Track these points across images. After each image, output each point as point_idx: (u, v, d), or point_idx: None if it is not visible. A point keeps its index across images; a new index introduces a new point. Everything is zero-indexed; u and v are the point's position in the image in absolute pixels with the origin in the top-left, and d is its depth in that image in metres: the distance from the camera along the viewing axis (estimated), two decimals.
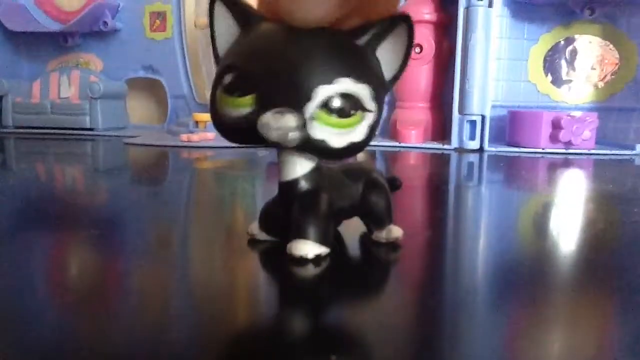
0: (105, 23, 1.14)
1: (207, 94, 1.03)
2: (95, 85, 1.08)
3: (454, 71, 0.93)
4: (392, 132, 1.01)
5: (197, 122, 0.98)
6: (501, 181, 0.66)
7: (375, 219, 0.30)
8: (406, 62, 0.25)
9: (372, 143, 0.27)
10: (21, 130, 1.11)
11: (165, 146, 0.87)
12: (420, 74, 0.99)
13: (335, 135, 0.24)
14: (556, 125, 0.88)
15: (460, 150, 0.91)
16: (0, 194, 0.49)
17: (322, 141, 0.24)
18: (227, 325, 0.21)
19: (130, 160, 0.78)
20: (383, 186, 0.31)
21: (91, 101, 1.10)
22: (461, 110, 0.92)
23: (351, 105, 0.24)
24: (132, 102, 1.22)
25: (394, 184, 0.35)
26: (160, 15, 1.15)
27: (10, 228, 0.36)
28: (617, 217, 0.43)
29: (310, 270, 0.26)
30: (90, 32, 1.17)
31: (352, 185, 0.30)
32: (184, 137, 0.90)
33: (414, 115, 0.99)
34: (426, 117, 0.99)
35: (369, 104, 0.24)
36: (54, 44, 1.21)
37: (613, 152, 0.88)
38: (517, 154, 0.87)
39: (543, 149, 0.89)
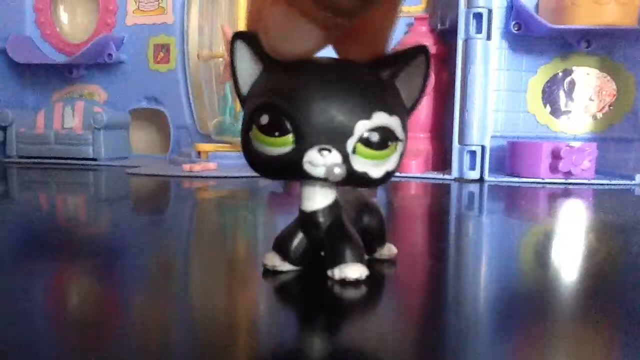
0: (109, 55, 1.16)
1: (210, 125, 1.05)
2: (98, 116, 1.10)
3: (453, 102, 0.94)
4: None
5: (199, 152, 0.99)
6: (502, 211, 0.66)
7: (378, 239, 0.33)
8: (424, 91, 0.27)
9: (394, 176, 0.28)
10: (24, 160, 1.11)
11: (168, 176, 0.88)
12: (420, 105, 0.99)
13: (374, 166, 0.25)
14: (556, 156, 0.88)
15: (461, 180, 0.91)
16: (3, 223, 0.49)
17: (364, 173, 0.25)
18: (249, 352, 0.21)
19: (132, 190, 0.79)
20: (378, 209, 0.33)
21: (94, 131, 1.11)
22: (461, 141, 0.93)
23: (386, 137, 0.25)
24: (135, 132, 1.23)
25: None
26: (164, 48, 1.17)
27: (12, 257, 0.36)
28: (618, 247, 0.44)
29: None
30: (95, 64, 1.19)
31: (358, 211, 0.31)
32: (186, 167, 0.90)
33: (415, 146, 1.00)
34: (426, 148, 1.00)
35: (401, 134, 0.26)
36: (59, 75, 1.23)
37: (613, 182, 0.88)
38: (517, 184, 0.87)
39: (543, 179, 0.89)
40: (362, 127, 0.24)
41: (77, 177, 0.92)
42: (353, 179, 0.25)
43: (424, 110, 1.00)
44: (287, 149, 0.25)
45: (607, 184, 0.87)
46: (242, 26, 1.01)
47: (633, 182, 0.88)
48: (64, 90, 1.24)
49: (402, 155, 0.27)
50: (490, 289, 0.31)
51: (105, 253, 0.38)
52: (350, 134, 0.24)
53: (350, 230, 0.29)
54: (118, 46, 1.18)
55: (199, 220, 0.56)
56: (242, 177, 0.87)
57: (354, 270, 0.28)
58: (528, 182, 0.89)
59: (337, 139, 0.24)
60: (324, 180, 0.25)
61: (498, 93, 1.00)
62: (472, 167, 0.93)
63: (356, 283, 0.28)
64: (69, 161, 1.10)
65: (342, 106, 0.24)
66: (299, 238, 0.29)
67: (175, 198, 0.72)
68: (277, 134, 0.25)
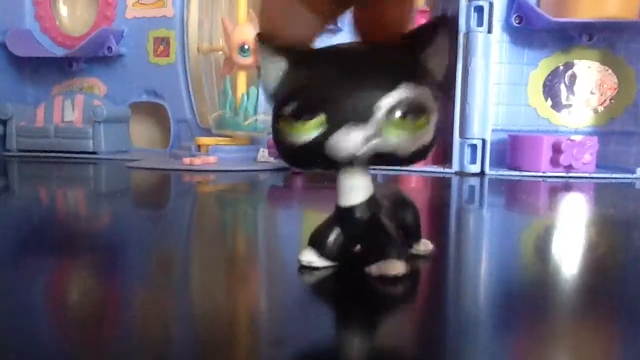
0: (109, 48, 1.16)
1: (210, 119, 1.04)
2: (98, 109, 1.09)
3: (454, 95, 0.93)
4: None
5: (199, 146, 0.99)
6: (502, 205, 0.66)
7: (414, 235, 0.33)
8: (450, 61, 0.26)
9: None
10: (25, 154, 1.11)
11: (168, 170, 0.88)
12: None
13: (407, 141, 0.25)
14: (557, 149, 0.88)
15: (461, 174, 0.91)
16: (3, 217, 0.49)
17: (394, 149, 0.25)
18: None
19: (132, 184, 0.79)
20: (414, 205, 0.33)
21: (94, 125, 1.10)
22: (462, 134, 0.93)
23: (416, 109, 0.24)
24: (135, 126, 1.22)
25: None
26: (164, 41, 1.16)
27: (11, 251, 0.36)
28: (619, 241, 0.43)
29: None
30: (95, 57, 1.18)
31: (395, 206, 0.31)
32: (187, 160, 0.90)
33: None
34: None
35: (431, 105, 0.25)
36: (59, 68, 1.23)
37: (614, 175, 0.88)
38: (518, 178, 0.87)
39: (544, 172, 0.89)
40: (387, 102, 0.24)
41: (77, 171, 0.92)
42: (383, 157, 0.25)
43: None
44: (315, 133, 0.25)
45: (608, 178, 0.87)
46: (242, 20, 1.01)
47: (634, 175, 0.88)
48: (64, 84, 1.24)
49: (437, 127, 0.26)
50: (491, 284, 0.31)
51: (105, 247, 0.38)
52: (374, 110, 0.24)
53: (388, 225, 0.29)
54: (118, 39, 1.17)
55: (199, 214, 0.56)
56: (242, 170, 0.86)
57: (394, 267, 0.28)
58: (529, 176, 0.89)
59: (362, 117, 0.24)
60: (355, 165, 0.26)
61: (499, 86, 1.00)
62: (473, 161, 0.93)
63: (395, 280, 0.28)
64: (69, 155, 1.10)
65: (364, 83, 0.24)
66: (335, 234, 0.29)
67: (176, 192, 0.72)
68: (303, 118, 0.24)
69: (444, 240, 0.44)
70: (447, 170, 0.94)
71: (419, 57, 0.26)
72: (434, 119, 0.26)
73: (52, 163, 1.01)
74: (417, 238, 0.33)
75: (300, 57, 0.26)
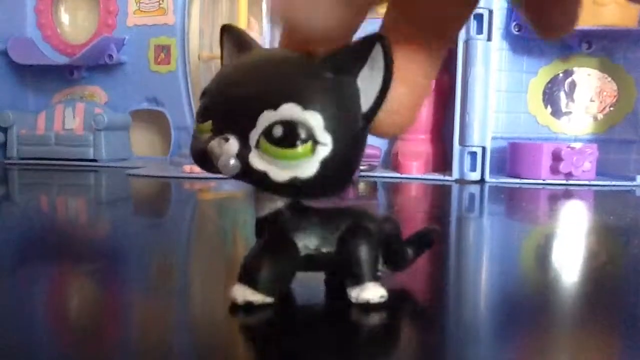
0: (110, 56, 1.16)
1: None
2: (99, 117, 1.10)
3: (454, 103, 0.94)
4: (393, 163, 1.02)
5: None
6: (503, 212, 0.66)
7: (348, 273, 0.26)
8: (385, 90, 0.21)
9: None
10: (25, 162, 1.12)
11: (168, 177, 0.88)
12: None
13: (276, 167, 0.21)
14: (556, 157, 0.88)
15: (462, 182, 0.91)
16: (3, 225, 0.49)
17: (263, 172, 0.21)
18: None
19: (133, 192, 0.79)
20: (368, 235, 0.26)
21: (95, 133, 1.11)
22: (462, 142, 0.93)
23: (296, 136, 0.21)
24: (136, 133, 1.23)
25: (424, 239, 0.30)
26: (165, 49, 1.17)
27: (12, 259, 0.36)
28: (619, 248, 0.44)
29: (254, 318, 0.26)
30: (96, 65, 1.19)
31: (331, 231, 0.26)
32: (187, 168, 0.90)
33: (415, 147, 1.00)
34: (427, 149, 1.00)
35: (322, 135, 0.21)
36: (60, 76, 1.23)
37: (613, 183, 0.88)
38: (518, 185, 0.87)
39: (544, 180, 0.89)
40: (266, 118, 0.21)
41: (77, 179, 0.92)
42: (251, 177, 0.22)
43: (425, 111, 1.00)
44: (206, 137, 0.22)
45: (608, 185, 0.87)
46: (242, 27, 1.01)
47: (634, 183, 0.88)
48: (65, 92, 1.24)
49: (328, 165, 0.21)
50: (491, 292, 0.31)
51: (106, 255, 0.38)
52: (253, 124, 0.21)
53: (274, 248, 0.25)
54: (119, 47, 1.17)
55: (199, 221, 0.56)
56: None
57: (244, 294, 0.24)
58: (529, 184, 0.89)
59: (239, 128, 0.21)
60: (235, 177, 0.22)
61: (499, 94, 1.00)
62: (473, 169, 0.93)
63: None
64: (69, 162, 1.10)
65: (250, 93, 0.21)
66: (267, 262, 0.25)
67: (176, 199, 0.72)
68: (200, 120, 0.23)
69: (444, 247, 0.44)
70: (447, 177, 0.94)
71: (343, 78, 0.21)
72: (322, 153, 0.21)
73: (53, 171, 1.01)
74: (363, 280, 0.26)
75: (244, 52, 0.24)
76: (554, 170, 0.89)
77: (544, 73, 1.01)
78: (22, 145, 1.14)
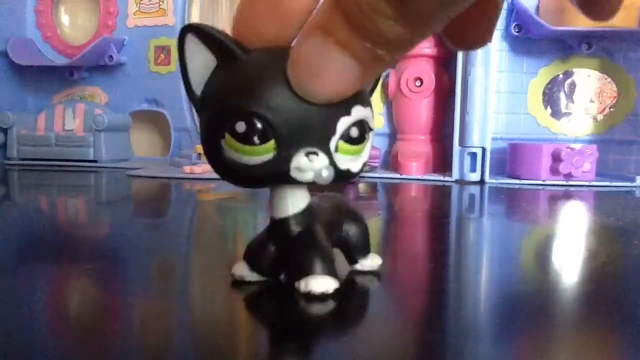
0: (110, 57, 1.16)
1: None
2: (99, 118, 1.10)
3: (454, 104, 0.94)
4: (393, 164, 1.02)
5: (199, 154, 0.99)
6: (503, 213, 0.66)
7: (359, 249, 0.30)
8: (375, 84, 0.27)
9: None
10: (25, 162, 1.12)
11: (168, 178, 0.88)
12: (420, 107, 1.00)
13: (354, 161, 0.24)
14: (556, 158, 0.88)
15: (461, 182, 0.91)
16: (3, 226, 0.49)
17: (347, 170, 0.24)
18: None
19: (133, 192, 0.79)
20: (361, 217, 0.31)
21: (95, 133, 1.11)
22: (462, 143, 0.93)
23: (364, 130, 0.24)
24: (136, 133, 1.23)
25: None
26: (165, 50, 1.17)
27: (12, 260, 0.36)
28: (619, 249, 0.44)
29: (321, 306, 0.26)
30: (96, 66, 1.19)
31: (337, 218, 0.29)
32: (187, 169, 0.90)
33: (415, 148, 1.00)
34: (427, 150, 1.00)
35: (372, 123, 0.25)
36: (60, 77, 1.23)
37: (613, 184, 0.88)
38: (517, 186, 0.87)
39: (544, 181, 0.89)
40: (344, 124, 0.23)
41: (77, 179, 0.92)
42: (338, 178, 0.24)
43: (424, 112, 1.00)
44: (269, 156, 0.23)
45: (608, 186, 0.87)
46: None
47: (634, 184, 0.88)
48: (65, 92, 1.25)
49: (371, 145, 0.26)
50: (491, 293, 0.31)
51: (106, 256, 0.38)
52: (333, 132, 0.23)
53: (320, 239, 0.26)
54: (119, 48, 1.18)
55: (200, 222, 0.56)
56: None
57: (320, 284, 0.25)
58: (529, 184, 0.89)
59: (321, 140, 0.23)
60: (311, 184, 0.24)
61: (498, 95, 1.00)
62: (473, 169, 0.93)
63: (323, 297, 0.25)
64: (69, 163, 1.10)
65: (322, 106, 0.22)
66: (269, 247, 0.27)
67: (176, 200, 0.72)
68: (257, 141, 0.22)
69: (445, 248, 0.44)
70: (447, 178, 0.94)
71: None
72: (372, 137, 0.25)
73: (53, 171, 1.01)
74: (363, 253, 0.31)
75: (235, 58, 0.23)
76: (554, 171, 0.89)
77: (544, 74, 1.01)
78: (22, 145, 1.14)
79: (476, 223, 0.57)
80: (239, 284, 0.28)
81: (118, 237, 0.46)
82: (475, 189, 0.84)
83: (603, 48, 0.98)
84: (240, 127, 0.22)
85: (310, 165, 0.23)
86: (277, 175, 0.23)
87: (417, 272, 0.34)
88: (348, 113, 0.23)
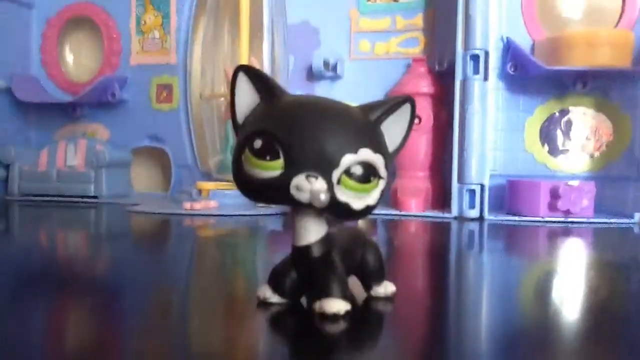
0: (113, 94, 1.18)
1: (211, 163, 1.05)
2: (101, 154, 1.11)
3: (452, 141, 0.95)
4: (392, 200, 1.02)
5: (200, 191, 1.00)
6: (502, 250, 0.66)
7: (374, 276, 0.33)
8: (407, 137, 0.30)
9: (374, 211, 0.29)
10: (27, 198, 1.12)
11: (168, 214, 0.88)
12: (419, 144, 1.01)
13: (356, 198, 0.27)
14: (554, 194, 0.89)
15: (461, 219, 0.92)
16: (4, 261, 0.49)
17: (346, 203, 0.27)
18: None
19: (133, 228, 0.79)
20: (377, 246, 0.34)
21: (97, 169, 1.11)
22: (460, 180, 0.94)
23: (370, 173, 0.27)
24: (137, 170, 1.23)
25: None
26: (167, 87, 1.19)
27: (12, 295, 0.36)
28: (618, 285, 0.44)
29: (334, 328, 0.26)
30: (99, 103, 1.20)
31: (354, 247, 0.32)
32: (187, 205, 0.91)
33: (414, 184, 1.00)
34: (426, 186, 1.01)
35: (383, 172, 0.28)
36: (63, 114, 1.25)
37: (612, 220, 0.88)
38: (517, 223, 0.88)
39: (542, 217, 0.89)
40: (348, 160, 0.26)
41: (78, 215, 0.92)
42: (336, 208, 0.27)
43: (423, 149, 1.01)
44: (277, 172, 0.27)
45: (607, 222, 0.88)
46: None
47: (632, 220, 0.88)
48: (67, 129, 1.26)
49: (382, 193, 0.28)
50: (491, 329, 0.31)
51: (106, 292, 0.38)
52: (337, 165, 0.26)
53: (336, 265, 0.30)
54: (122, 86, 1.19)
55: (199, 258, 0.57)
56: (243, 215, 0.87)
57: (333, 305, 0.28)
58: (528, 221, 0.89)
59: (324, 168, 0.26)
60: (310, 207, 0.27)
61: (496, 132, 1.01)
62: (472, 206, 0.93)
63: (335, 318, 0.28)
64: (70, 199, 1.10)
65: (333, 139, 0.26)
66: (291, 272, 0.31)
67: (176, 236, 0.72)
68: (268, 157, 0.27)
69: (445, 284, 0.44)
70: (446, 215, 0.94)
71: (378, 125, 0.29)
72: (382, 184, 0.28)
73: (53, 207, 1.01)
74: (378, 280, 0.33)
75: (273, 95, 0.28)
76: (553, 208, 0.89)
77: (540, 112, 1.02)
78: (24, 181, 1.14)
79: (476, 260, 0.58)
80: (262, 304, 0.31)
81: (118, 273, 0.46)
82: (474, 226, 0.84)
83: (598, 87, 1.00)
84: (258, 143, 0.27)
85: (308, 186, 0.26)
86: (279, 190, 0.27)
87: (416, 308, 0.34)
88: (354, 152, 0.27)
